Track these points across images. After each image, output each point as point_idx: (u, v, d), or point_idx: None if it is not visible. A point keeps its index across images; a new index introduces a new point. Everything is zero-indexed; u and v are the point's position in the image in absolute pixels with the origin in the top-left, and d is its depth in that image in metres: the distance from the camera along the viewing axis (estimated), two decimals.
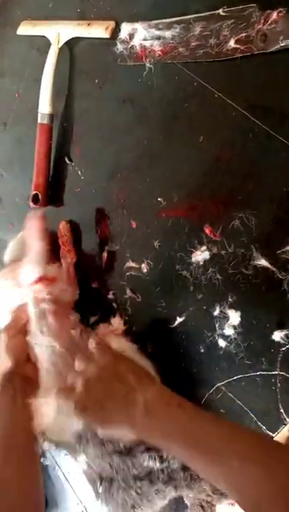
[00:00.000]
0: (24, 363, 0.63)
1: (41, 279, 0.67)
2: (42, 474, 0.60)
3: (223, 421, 0.54)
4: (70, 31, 0.73)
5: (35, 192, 0.77)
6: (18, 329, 0.65)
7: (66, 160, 0.77)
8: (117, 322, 0.69)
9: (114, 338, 0.65)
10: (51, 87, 0.75)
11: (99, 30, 0.70)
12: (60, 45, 0.74)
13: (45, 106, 0.75)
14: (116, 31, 0.67)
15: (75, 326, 0.67)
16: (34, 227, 0.69)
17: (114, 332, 0.68)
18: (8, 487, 0.52)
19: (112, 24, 0.68)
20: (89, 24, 0.71)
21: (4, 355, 0.63)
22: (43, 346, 0.63)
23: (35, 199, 0.77)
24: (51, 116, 0.76)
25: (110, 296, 0.72)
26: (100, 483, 0.61)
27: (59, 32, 0.74)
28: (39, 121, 0.76)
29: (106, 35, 0.69)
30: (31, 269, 0.68)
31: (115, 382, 0.53)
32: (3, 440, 0.56)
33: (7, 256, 0.76)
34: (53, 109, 0.76)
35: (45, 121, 0.76)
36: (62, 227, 0.76)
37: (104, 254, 0.71)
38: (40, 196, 0.77)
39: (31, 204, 0.77)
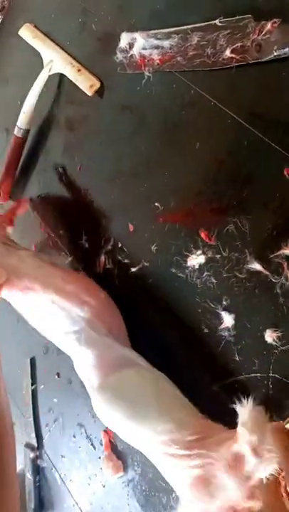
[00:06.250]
0: None
1: None
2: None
3: None
4: (61, 66, 0.76)
5: None
6: None
7: (59, 169, 0.80)
8: None
9: None
10: (33, 108, 0.78)
11: (84, 84, 0.73)
12: (50, 73, 0.77)
13: (22, 121, 0.79)
14: (116, 42, 0.68)
15: None
16: None
17: None
18: None
19: (97, 84, 0.72)
20: (79, 70, 0.74)
21: None
22: None
23: None
24: (27, 131, 0.80)
25: None
26: None
27: (52, 60, 0.76)
28: (14, 133, 0.80)
29: (88, 92, 0.72)
30: None
31: None
32: None
33: None
34: (30, 126, 0.80)
35: (20, 134, 0.80)
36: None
37: (102, 258, 0.72)
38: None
39: None
